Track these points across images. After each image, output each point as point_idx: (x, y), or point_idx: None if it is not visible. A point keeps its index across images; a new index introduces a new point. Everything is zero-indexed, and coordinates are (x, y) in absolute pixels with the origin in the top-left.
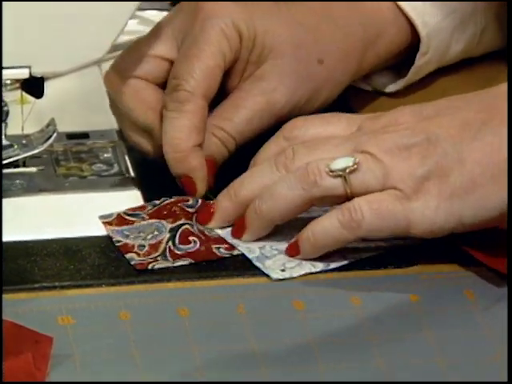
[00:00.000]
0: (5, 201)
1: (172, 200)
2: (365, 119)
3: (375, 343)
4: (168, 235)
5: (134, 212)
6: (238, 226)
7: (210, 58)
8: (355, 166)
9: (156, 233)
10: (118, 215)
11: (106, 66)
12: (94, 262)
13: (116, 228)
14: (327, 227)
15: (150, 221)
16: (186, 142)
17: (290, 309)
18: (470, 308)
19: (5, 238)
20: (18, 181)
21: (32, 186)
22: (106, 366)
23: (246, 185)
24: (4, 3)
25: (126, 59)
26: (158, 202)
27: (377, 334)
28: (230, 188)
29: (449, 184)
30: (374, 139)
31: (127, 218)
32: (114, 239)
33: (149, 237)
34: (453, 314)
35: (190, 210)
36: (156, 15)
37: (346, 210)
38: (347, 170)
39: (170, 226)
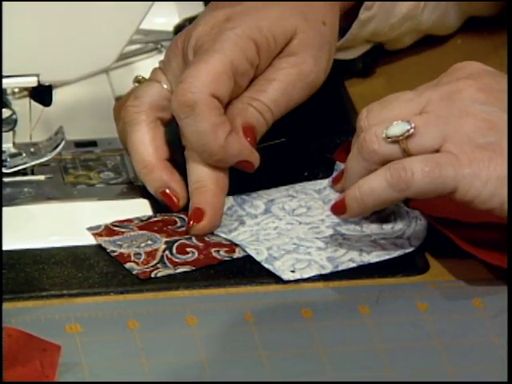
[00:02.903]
0: (13, 209)
1: (159, 218)
2: (443, 76)
3: (383, 352)
4: (164, 246)
5: (121, 224)
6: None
7: (218, 61)
8: (412, 131)
9: (149, 242)
10: (106, 226)
11: (115, 74)
12: (102, 270)
13: (107, 238)
14: (375, 187)
15: (141, 232)
16: (214, 141)
17: (298, 317)
18: (478, 316)
19: (13, 246)
20: (26, 189)
21: (40, 194)
22: (114, 375)
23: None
24: (13, 12)
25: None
26: (143, 218)
27: (385, 342)
28: None
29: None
30: (446, 99)
31: (116, 229)
32: (108, 250)
33: (142, 245)
34: (461, 322)
35: (182, 229)
36: (164, 23)
37: (394, 170)
38: (404, 135)
39: (164, 239)
